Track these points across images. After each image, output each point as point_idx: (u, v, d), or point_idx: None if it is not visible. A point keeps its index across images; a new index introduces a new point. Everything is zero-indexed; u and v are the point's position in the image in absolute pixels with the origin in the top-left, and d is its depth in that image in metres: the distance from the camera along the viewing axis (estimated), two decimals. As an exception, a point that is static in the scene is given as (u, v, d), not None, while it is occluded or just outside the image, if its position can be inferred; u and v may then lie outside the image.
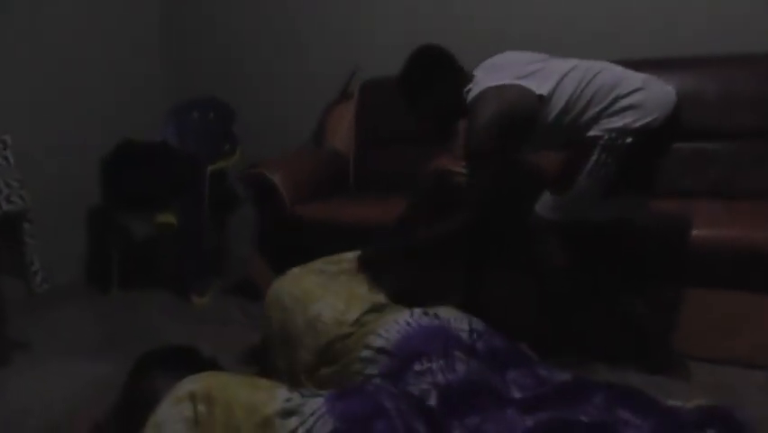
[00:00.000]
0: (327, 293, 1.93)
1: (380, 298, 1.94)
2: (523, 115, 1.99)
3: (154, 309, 3.00)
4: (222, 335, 2.57)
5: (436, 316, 1.80)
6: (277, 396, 1.40)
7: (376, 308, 1.88)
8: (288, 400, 1.39)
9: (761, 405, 1.81)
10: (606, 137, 1.94)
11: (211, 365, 1.62)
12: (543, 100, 1.98)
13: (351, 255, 2.14)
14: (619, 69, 2.01)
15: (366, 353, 1.72)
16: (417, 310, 1.83)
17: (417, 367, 1.60)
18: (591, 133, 1.96)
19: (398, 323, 1.77)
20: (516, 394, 1.56)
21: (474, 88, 2.04)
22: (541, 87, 1.98)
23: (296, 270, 2.07)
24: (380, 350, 1.71)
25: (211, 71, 3.79)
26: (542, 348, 1.92)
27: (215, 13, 3.77)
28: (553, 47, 2.24)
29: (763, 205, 2.34)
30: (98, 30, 3.51)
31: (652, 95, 1.95)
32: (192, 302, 3.07)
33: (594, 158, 1.96)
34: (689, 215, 2.21)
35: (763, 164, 2.54)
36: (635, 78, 1.98)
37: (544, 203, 2.08)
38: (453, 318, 1.80)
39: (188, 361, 1.62)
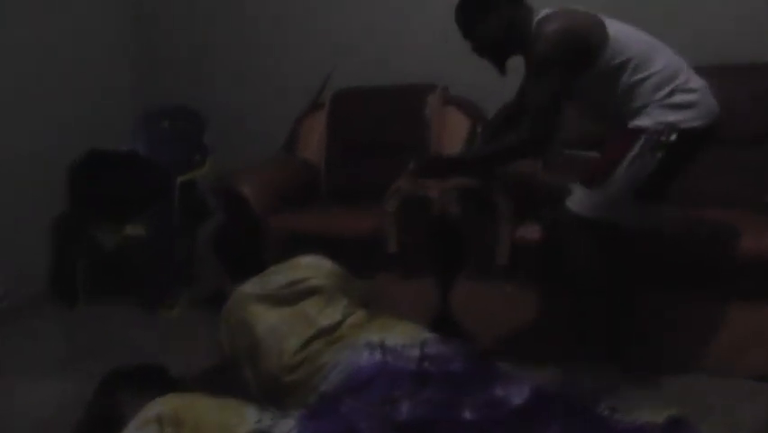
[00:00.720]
0: (272, 315, 1.83)
1: (329, 321, 1.81)
2: (589, 41, 1.93)
3: (122, 323, 2.96)
4: (191, 348, 2.52)
5: (382, 347, 1.68)
6: (246, 417, 1.38)
7: (321, 334, 1.77)
8: (258, 421, 1.37)
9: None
10: (652, 129, 1.91)
11: (179, 385, 1.59)
12: (610, 41, 1.93)
13: (307, 260, 2.00)
14: (684, 61, 1.99)
15: (312, 397, 1.65)
16: (362, 343, 1.71)
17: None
18: (638, 122, 1.93)
19: (340, 363, 1.67)
20: (469, 418, 1.49)
21: (542, 13, 1.99)
22: (612, 28, 1.95)
23: (246, 286, 1.96)
24: (323, 395, 1.62)
25: (182, 79, 3.74)
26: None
27: (187, 20, 3.74)
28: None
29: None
30: (65, 34, 3.44)
31: (705, 100, 1.95)
32: (161, 315, 3.02)
33: (636, 149, 1.91)
34: (735, 225, 2.18)
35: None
36: (696, 76, 1.97)
37: (577, 198, 2.02)
38: (402, 345, 1.69)
39: (156, 380, 1.59)
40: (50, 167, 3.23)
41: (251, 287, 1.94)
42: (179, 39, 3.77)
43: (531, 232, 2.34)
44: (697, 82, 1.96)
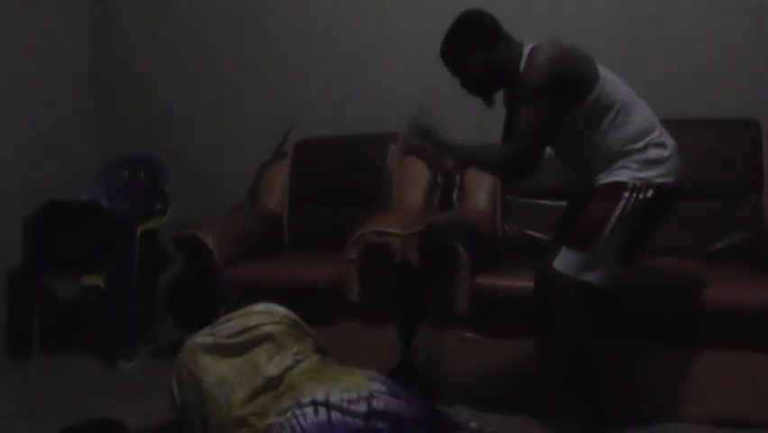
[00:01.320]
0: (220, 366, 1.83)
1: (277, 369, 1.81)
2: (581, 73, 1.95)
3: (78, 376, 2.89)
4: (150, 401, 2.47)
5: (327, 405, 1.67)
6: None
7: (269, 384, 1.77)
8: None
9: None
10: (631, 185, 1.93)
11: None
12: (599, 80, 1.95)
13: (259, 307, 1.99)
14: (654, 115, 2.03)
15: None
16: (307, 400, 1.69)
17: None
18: (616, 177, 1.95)
19: (285, 427, 1.66)
20: None
21: (531, 43, 2.00)
22: (600, 68, 1.98)
23: (197, 336, 1.95)
24: None
25: (143, 129, 3.76)
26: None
27: (148, 70, 3.77)
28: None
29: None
30: (24, 83, 3.44)
31: (674, 158, 1.99)
32: (119, 367, 2.96)
33: (620, 207, 1.92)
34: (703, 275, 2.21)
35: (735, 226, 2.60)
36: (667, 134, 2.01)
37: (565, 260, 1.98)
38: (349, 400, 1.68)
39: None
40: (6, 217, 3.18)
41: (201, 337, 1.93)
42: (140, 88, 3.79)
43: (490, 280, 2.38)
44: (669, 140, 2.00)
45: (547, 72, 1.90)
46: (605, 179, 1.99)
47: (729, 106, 2.72)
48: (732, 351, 2.14)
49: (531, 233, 2.78)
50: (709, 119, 2.72)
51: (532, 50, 1.97)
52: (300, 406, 1.67)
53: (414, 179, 3.08)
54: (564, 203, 2.37)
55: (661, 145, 1.97)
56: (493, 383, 2.36)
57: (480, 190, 2.92)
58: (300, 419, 1.64)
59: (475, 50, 2.03)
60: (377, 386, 1.73)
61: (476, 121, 3.04)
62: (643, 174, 1.94)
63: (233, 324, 1.92)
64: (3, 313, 3.26)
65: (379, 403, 1.67)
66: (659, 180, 1.94)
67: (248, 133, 3.56)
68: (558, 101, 1.93)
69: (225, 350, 1.86)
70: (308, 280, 2.63)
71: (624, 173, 1.95)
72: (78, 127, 3.78)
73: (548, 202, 2.77)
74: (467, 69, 2.06)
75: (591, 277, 1.95)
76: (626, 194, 1.93)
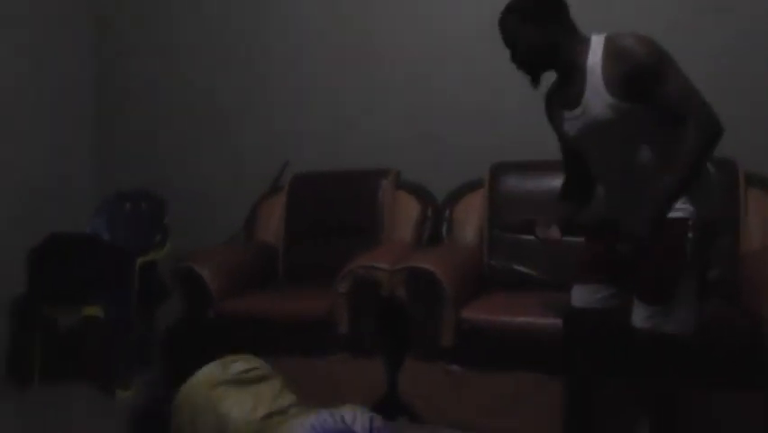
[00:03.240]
0: (236, 393, 2.04)
1: (286, 402, 2.04)
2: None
3: (77, 405, 2.94)
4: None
5: (343, 419, 1.88)
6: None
7: (280, 412, 2.00)
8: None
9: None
10: (691, 221, 1.79)
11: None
12: None
13: (259, 362, 2.22)
14: None
15: None
16: (324, 413, 1.91)
17: None
18: (675, 213, 1.80)
19: (304, 426, 1.85)
20: None
21: (600, 35, 1.87)
22: None
23: (205, 371, 2.13)
24: None
25: (143, 163, 3.85)
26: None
27: (150, 107, 3.88)
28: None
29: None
30: (27, 117, 3.55)
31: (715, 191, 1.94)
32: (118, 397, 3.02)
33: (689, 247, 1.78)
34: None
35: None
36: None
37: (645, 317, 1.83)
38: (354, 415, 1.90)
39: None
40: (11, 250, 3.27)
41: (210, 371, 2.12)
42: (141, 123, 3.90)
43: (475, 314, 2.46)
44: (707, 171, 1.91)
45: (648, 46, 1.78)
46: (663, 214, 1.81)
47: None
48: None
49: (517, 267, 2.85)
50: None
51: (609, 37, 1.84)
52: (309, 416, 1.92)
53: (404, 214, 3.16)
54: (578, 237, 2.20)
55: (704, 177, 1.88)
56: (478, 416, 2.42)
57: (468, 225, 3.01)
58: (317, 421, 1.88)
59: (539, 21, 1.90)
60: (371, 414, 1.95)
61: (467, 159, 3.17)
62: (694, 207, 1.81)
63: (238, 364, 2.15)
64: (5, 342, 3.35)
65: (378, 421, 1.94)
66: (706, 212, 1.83)
67: (245, 169, 3.65)
68: (676, 68, 1.79)
69: (236, 383, 2.08)
70: (301, 313, 2.71)
71: (682, 208, 1.81)
72: (82, 162, 3.88)
73: (533, 237, 2.84)
74: (525, 39, 1.92)
75: (672, 328, 1.81)
76: (690, 233, 1.79)
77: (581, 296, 2.05)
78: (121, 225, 3.52)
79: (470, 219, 3.01)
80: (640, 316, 1.85)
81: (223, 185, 3.71)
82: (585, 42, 1.88)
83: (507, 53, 1.99)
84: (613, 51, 1.81)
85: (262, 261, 3.28)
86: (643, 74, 1.77)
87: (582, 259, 2.09)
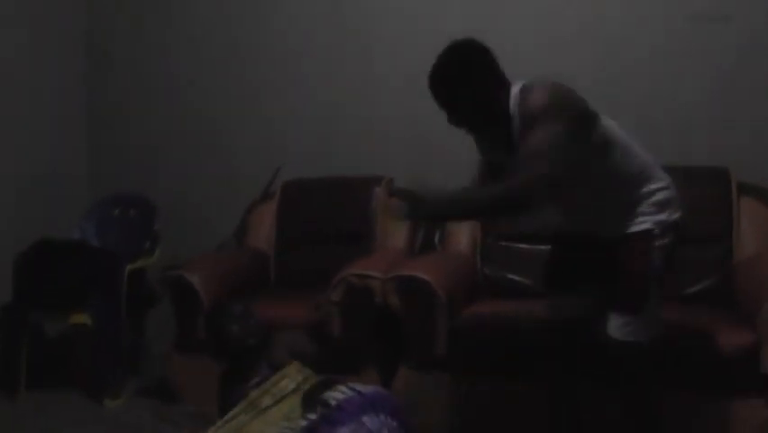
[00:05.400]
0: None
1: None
2: (581, 100, 1.85)
3: (64, 413, 2.90)
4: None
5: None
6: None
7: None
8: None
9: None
10: (656, 231, 1.87)
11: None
12: (598, 117, 1.87)
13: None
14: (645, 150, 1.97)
15: None
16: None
17: None
18: (638, 227, 1.88)
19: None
20: None
21: (521, 82, 1.87)
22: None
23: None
24: None
25: (133, 168, 3.83)
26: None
27: (140, 111, 3.85)
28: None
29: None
30: (17, 121, 3.52)
31: (673, 188, 1.95)
32: (106, 404, 2.98)
33: (655, 258, 1.86)
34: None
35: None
36: (658, 166, 1.97)
37: (621, 325, 1.89)
38: None
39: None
40: (-2, 255, 3.24)
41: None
42: (131, 128, 3.87)
43: (468, 322, 2.44)
44: (664, 174, 1.96)
45: (549, 96, 1.78)
46: (625, 228, 1.90)
47: (699, 155, 2.82)
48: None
49: (510, 276, 2.85)
50: (679, 166, 2.81)
51: (524, 86, 1.85)
52: None
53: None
54: (544, 246, 2.34)
55: (663, 182, 1.93)
56: (472, 424, 2.41)
57: (462, 233, 3.00)
58: None
59: (467, 83, 1.86)
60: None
61: (461, 166, 3.15)
62: (662, 217, 1.89)
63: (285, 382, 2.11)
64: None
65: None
66: (674, 218, 1.91)
67: (236, 174, 3.63)
68: (565, 124, 1.75)
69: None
70: (290, 321, 2.68)
71: (645, 220, 1.89)
72: (71, 166, 3.85)
73: (526, 246, 2.85)
74: (456, 102, 1.88)
75: (644, 336, 1.89)
76: (657, 242, 1.87)
77: (555, 306, 2.10)
78: (110, 230, 3.48)
79: (463, 227, 2.99)
80: (615, 325, 1.90)
81: (214, 191, 3.69)
82: (508, 89, 1.88)
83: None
84: (521, 96, 1.84)
85: (254, 268, 3.26)
86: (522, 119, 1.81)
87: (548, 270, 2.18)
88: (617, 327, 1.90)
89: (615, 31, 3.04)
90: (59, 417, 2.86)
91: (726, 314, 2.44)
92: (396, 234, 3.09)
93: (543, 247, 2.43)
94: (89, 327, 3.03)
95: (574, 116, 1.80)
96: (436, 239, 3.06)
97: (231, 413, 2.04)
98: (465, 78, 1.86)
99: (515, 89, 1.86)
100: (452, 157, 3.22)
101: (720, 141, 2.89)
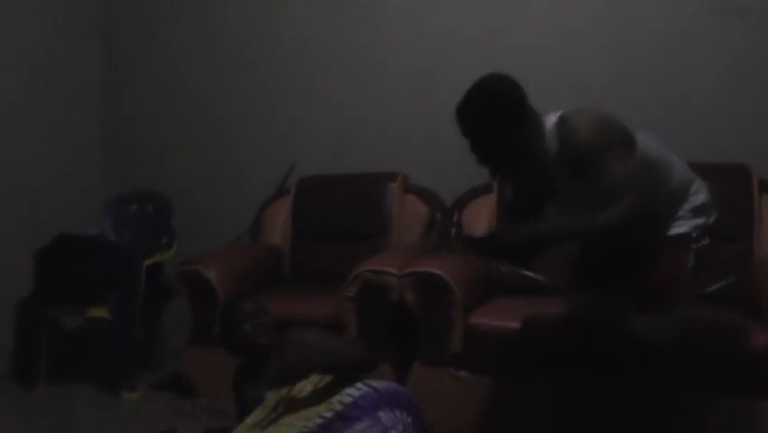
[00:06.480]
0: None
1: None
2: (622, 127, 1.83)
3: (82, 406, 2.95)
4: (151, 431, 2.54)
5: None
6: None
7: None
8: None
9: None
10: (693, 235, 1.89)
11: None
12: (634, 135, 1.85)
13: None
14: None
15: None
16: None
17: None
18: (676, 230, 1.90)
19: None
20: None
21: (555, 114, 1.84)
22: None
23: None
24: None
25: (150, 165, 3.85)
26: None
27: (157, 109, 3.87)
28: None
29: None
30: (36, 119, 3.55)
31: (708, 193, 1.96)
32: (122, 398, 3.01)
33: (691, 260, 1.89)
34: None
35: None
36: (696, 175, 1.98)
37: (650, 324, 1.90)
38: None
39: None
40: (18, 250, 3.27)
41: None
42: (147, 124, 3.90)
43: (483, 320, 2.43)
44: (699, 180, 1.98)
45: (594, 132, 1.76)
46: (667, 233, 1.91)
47: (719, 152, 2.77)
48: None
49: (526, 273, 2.82)
50: (700, 163, 2.77)
51: (561, 120, 1.81)
52: None
53: (413, 218, 3.15)
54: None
55: (700, 186, 1.96)
56: (486, 422, 2.40)
57: (477, 229, 2.98)
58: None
59: (499, 125, 1.81)
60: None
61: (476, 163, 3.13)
62: (700, 221, 1.91)
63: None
64: (11, 343, 3.35)
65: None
66: (710, 222, 1.94)
67: (252, 170, 3.64)
68: (617, 156, 1.77)
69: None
70: (306, 317, 2.67)
71: (683, 224, 1.90)
72: (89, 163, 3.88)
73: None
74: (483, 139, 1.84)
75: (669, 335, 1.90)
76: (693, 245, 1.90)
77: (579, 301, 2.10)
78: (127, 226, 3.52)
79: (478, 223, 2.97)
80: (642, 323, 1.90)
81: (229, 187, 3.70)
82: (540, 122, 1.84)
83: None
84: (562, 131, 1.80)
85: (269, 263, 3.26)
86: (572, 158, 1.79)
87: (577, 266, 2.16)
88: (643, 325, 1.90)
89: (631, 25, 3.00)
90: (77, 409, 2.90)
91: (746, 313, 2.40)
92: (411, 230, 3.08)
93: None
94: (107, 321, 3.06)
95: (619, 147, 1.80)
96: (452, 235, 3.04)
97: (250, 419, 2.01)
98: (494, 120, 1.81)
99: (549, 122, 1.83)
100: (466, 153, 3.22)
101: (742, 137, 2.85)
